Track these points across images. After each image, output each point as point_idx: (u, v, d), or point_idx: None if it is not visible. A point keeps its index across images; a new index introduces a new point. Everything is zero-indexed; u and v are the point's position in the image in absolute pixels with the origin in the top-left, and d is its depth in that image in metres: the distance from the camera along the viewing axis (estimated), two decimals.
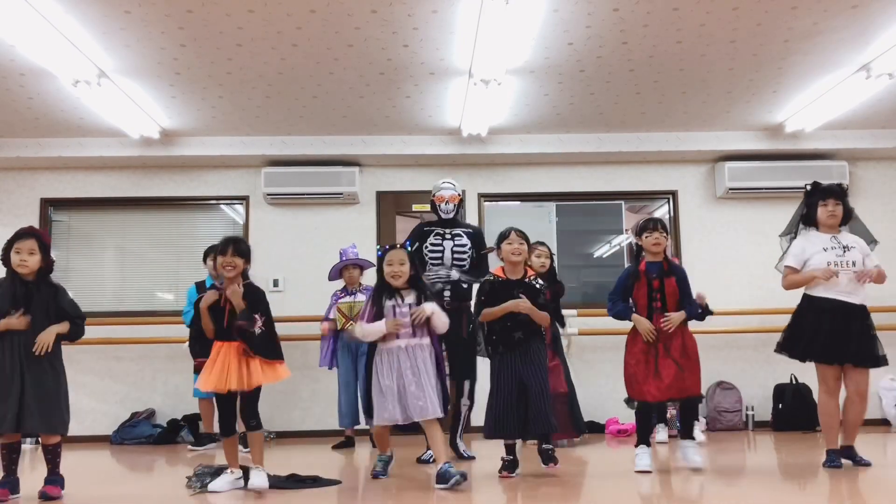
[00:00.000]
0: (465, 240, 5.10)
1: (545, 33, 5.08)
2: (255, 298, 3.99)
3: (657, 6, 4.75)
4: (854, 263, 4.33)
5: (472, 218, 7.40)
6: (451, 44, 5.23)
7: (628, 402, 4.39)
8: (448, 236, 5.09)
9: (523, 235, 4.31)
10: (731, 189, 7.34)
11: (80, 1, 4.54)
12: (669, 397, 4.25)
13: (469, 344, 4.94)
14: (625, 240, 7.74)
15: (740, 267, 7.39)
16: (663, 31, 5.10)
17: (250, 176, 7.44)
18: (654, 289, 4.28)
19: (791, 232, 4.65)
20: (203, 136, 7.13)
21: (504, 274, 4.28)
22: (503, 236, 4.30)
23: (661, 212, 7.79)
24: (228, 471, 4.04)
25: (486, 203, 7.58)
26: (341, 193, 7.28)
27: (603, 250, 7.89)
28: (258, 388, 3.98)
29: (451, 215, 5.18)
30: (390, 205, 7.55)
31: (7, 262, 3.89)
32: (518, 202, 7.76)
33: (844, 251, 4.36)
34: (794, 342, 4.41)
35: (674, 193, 7.60)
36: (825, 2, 4.72)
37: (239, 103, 6.31)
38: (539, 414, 4.07)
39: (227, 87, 5.96)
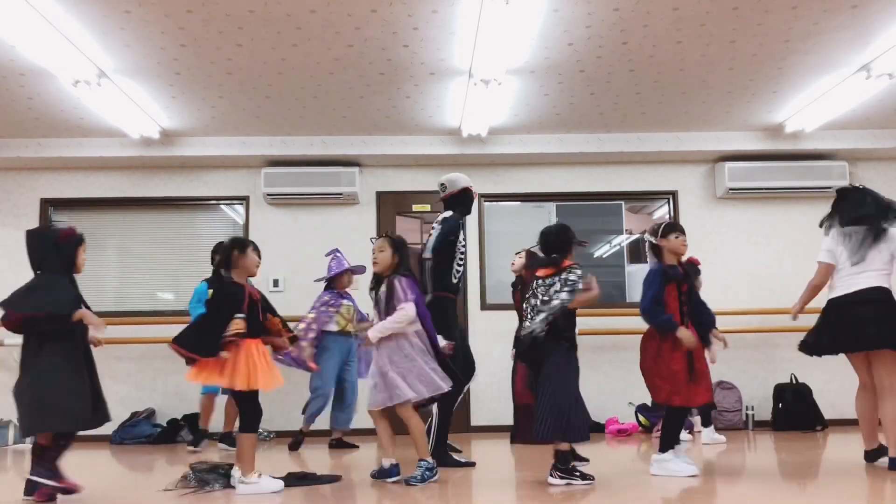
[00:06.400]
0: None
1: (545, 33, 5.08)
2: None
3: (657, 6, 4.75)
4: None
5: (472, 218, 7.38)
6: (451, 44, 5.23)
7: (660, 407, 4.36)
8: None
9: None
10: (731, 189, 7.34)
11: (80, 1, 4.54)
12: (707, 401, 4.18)
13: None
14: (625, 240, 7.74)
15: (740, 267, 7.39)
16: (663, 31, 5.10)
17: (250, 176, 7.45)
18: (683, 292, 4.13)
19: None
20: (203, 137, 7.14)
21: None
22: None
23: (661, 212, 7.79)
24: (256, 474, 3.88)
25: (486, 203, 7.58)
26: (341, 194, 7.28)
27: (603, 250, 7.88)
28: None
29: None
30: (390, 205, 7.55)
31: (73, 265, 3.86)
32: (518, 202, 7.75)
33: None
34: (808, 340, 4.47)
35: (674, 193, 7.61)
36: (825, 2, 4.73)
37: (239, 103, 6.31)
38: (535, 419, 3.96)
39: (227, 87, 5.97)
